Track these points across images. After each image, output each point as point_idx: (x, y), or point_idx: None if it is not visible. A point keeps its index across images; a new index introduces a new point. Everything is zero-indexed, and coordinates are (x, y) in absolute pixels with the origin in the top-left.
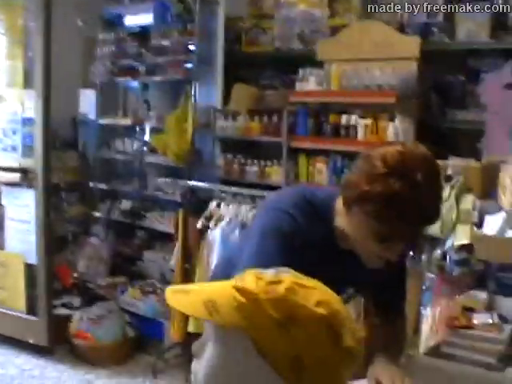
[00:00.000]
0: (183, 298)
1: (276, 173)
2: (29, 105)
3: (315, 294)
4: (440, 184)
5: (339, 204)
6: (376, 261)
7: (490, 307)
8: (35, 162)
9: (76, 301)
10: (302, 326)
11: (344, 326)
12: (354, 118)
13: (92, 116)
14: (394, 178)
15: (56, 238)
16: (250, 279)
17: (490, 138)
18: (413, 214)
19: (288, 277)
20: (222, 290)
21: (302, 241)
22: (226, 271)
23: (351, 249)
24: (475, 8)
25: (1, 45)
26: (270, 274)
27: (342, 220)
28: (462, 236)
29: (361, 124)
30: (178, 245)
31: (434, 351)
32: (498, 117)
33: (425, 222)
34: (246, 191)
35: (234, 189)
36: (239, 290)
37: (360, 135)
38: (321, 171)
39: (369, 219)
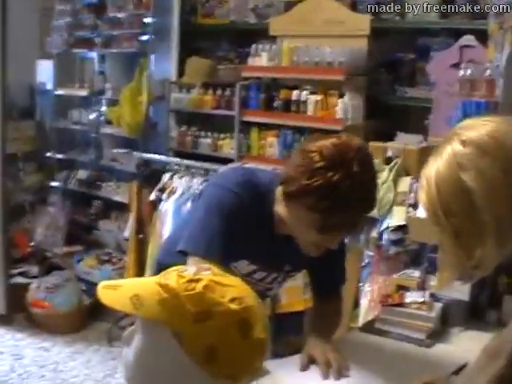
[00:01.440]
0: (112, 293)
1: (228, 145)
2: None
3: (231, 291)
4: (375, 173)
5: (279, 192)
6: (314, 249)
7: (422, 286)
8: None
9: (33, 269)
10: (216, 319)
11: (256, 319)
12: (304, 94)
13: (49, 86)
14: (332, 170)
15: (13, 207)
16: (173, 276)
17: (437, 115)
18: (352, 205)
19: (207, 275)
20: (147, 286)
21: (243, 220)
22: (173, 243)
23: (289, 234)
24: None
25: None
26: (191, 271)
27: (281, 208)
28: (398, 217)
29: (311, 100)
30: (132, 215)
31: (369, 327)
32: (445, 95)
33: (363, 211)
34: (199, 164)
35: (187, 162)
36: (162, 286)
37: (310, 111)
38: (272, 145)
39: (309, 212)
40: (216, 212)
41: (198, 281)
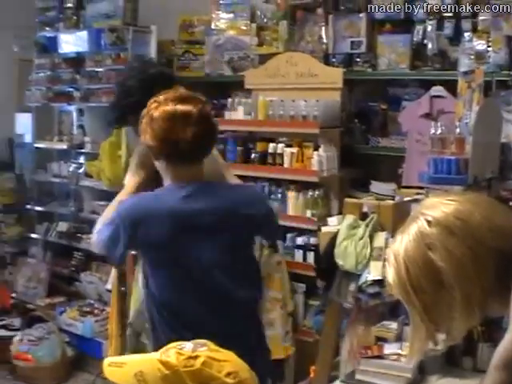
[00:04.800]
0: (118, 370)
1: None
2: None
3: (227, 366)
4: None
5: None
6: None
7: (400, 337)
8: None
9: (16, 321)
10: None
11: None
12: (280, 147)
13: (28, 139)
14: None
15: None
16: (172, 354)
17: (409, 164)
18: None
19: (204, 351)
20: (149, 363)
21: None
22: None
23: None
24: (396, 39)
25: None
26: (188, 348)
27: None
28: (374, 271)
29: (287, 152)
30: (114, 269)
31: (350, 378)
32: (417, 145)
33: None
34: None
35: None
36: (163, 363)
37: (286, 163)
38: None
39: None
40: None
41: (196, 357)
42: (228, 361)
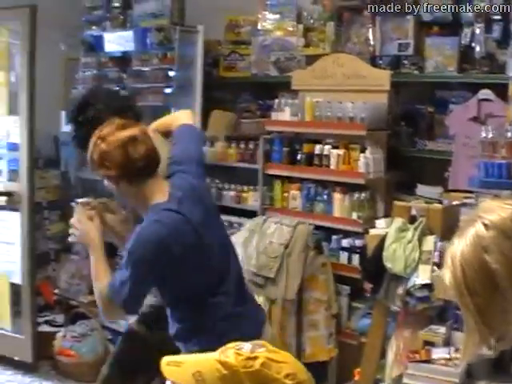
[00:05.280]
0: (176, 370)
1: (252, 198)
2: (14, 131)
3: (285, 367)
4: None
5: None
6: None
7: (448, 342)
8: (20, 186)
9: (59, 317)
10: None
11: None
12: (326, 148)
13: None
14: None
15: (38, 255)
16: (231, 354)
17: (456, 168)
18: None
19: (262, 352)
20: (208, 363)
21: None
22: None
23: None
24: (444, 41)
25: None
26: (247, 349)
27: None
28: (423, 275)
29: (333, 154)
30: None
31: (397, 381)
32: (464, 148)
33: None
34: (223, 217)
35: None
36: (222, 363)
37: (332, 164)
38: (295, 197)
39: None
40: None
41: (255, 358)
42: (286, 362)
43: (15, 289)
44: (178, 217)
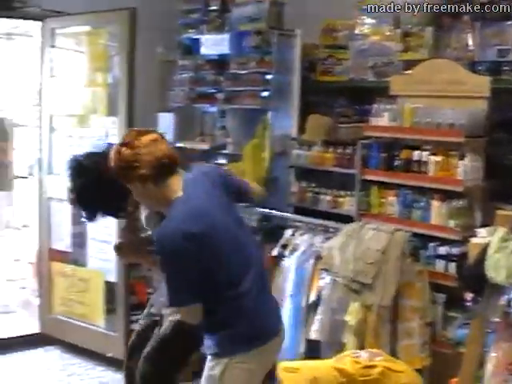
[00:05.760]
0: (293, 376)
1: (348, 203)
2: (112, 132)
3: (403, 377)
4: None
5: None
6: None
7: None
8: None
9: None
10: None
11: None
12: (425, 154)
13: (170, 138)
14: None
15: None
16: (348, 361)
17: None
18: None
19: (381, 361)
20: (324, 370)
21: None
22: None
23: None
24: None
25: (84, 72)
26: (364, 357)
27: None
28: None
29: (431, 160)
30: None
31: None
32: None
33: None
34: (319, 221)
35: (307, 219)
36: (339, 370)
37: (431, 171)
38: (392, 204)
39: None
40: None
41: (373, 367)
42: (403, 372)
43: (110, 287)
44: (193, 207)
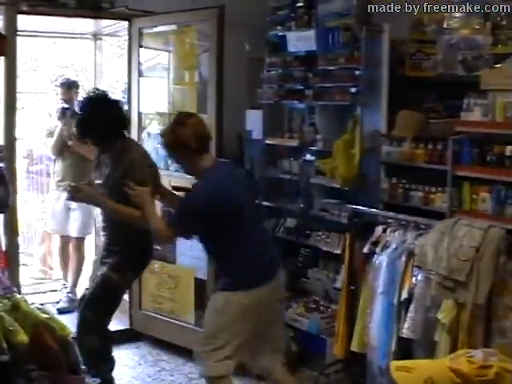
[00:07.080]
0: (407, 375)
1: (440, 199)
2: None
3: None
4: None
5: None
6: None
7: None
8: None
9: None
10: None
11: None
12: None
13: (259, 135)
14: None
15: None
16: (463, 361)
17: None
18: None
19: (496, 361)
20: (439, 370)
21: None
22: None
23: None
24: None
25: (172, 70)
26: (479, 356)
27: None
28: None
29: None
30: (345, 266)
31: None
32: None
33: None
34: (412, 218)
35: (399, 216)
36: (454, 370)
37: None
38: (484, 200)
39: None
40: None
41: (488, 367)
42: None
43: (200, 286)
44: (220, 176)
